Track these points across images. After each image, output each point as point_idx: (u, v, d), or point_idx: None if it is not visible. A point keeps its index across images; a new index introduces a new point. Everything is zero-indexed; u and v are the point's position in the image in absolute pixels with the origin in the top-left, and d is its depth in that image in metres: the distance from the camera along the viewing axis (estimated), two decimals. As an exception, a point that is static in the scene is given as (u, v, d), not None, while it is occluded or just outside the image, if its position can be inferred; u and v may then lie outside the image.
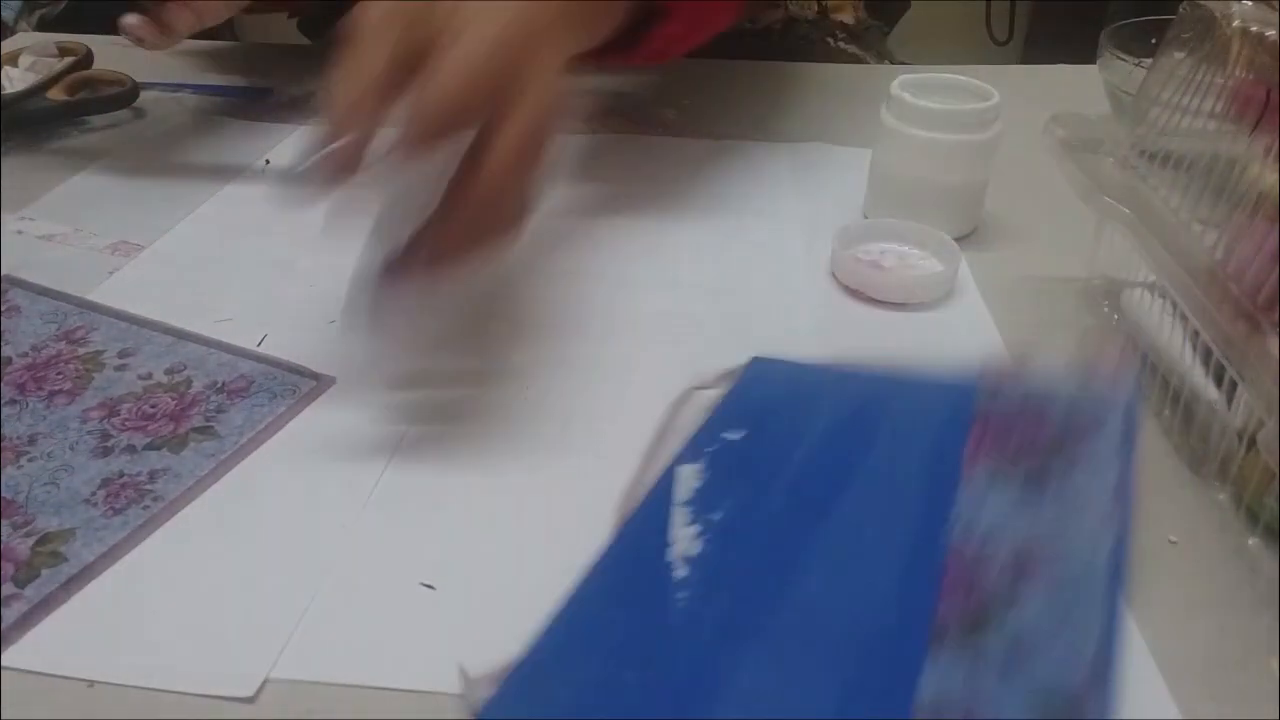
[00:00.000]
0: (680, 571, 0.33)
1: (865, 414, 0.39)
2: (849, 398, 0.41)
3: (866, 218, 0.56)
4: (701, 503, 0.36)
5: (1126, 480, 0.34)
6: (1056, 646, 0.28)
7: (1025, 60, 1.43)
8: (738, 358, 0.44)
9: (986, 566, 0.31)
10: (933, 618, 0.30)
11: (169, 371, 0.43)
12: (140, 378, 0.43)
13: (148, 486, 0.37)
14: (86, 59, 0.70)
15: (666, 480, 0.37)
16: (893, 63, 0.89)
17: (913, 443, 0.37)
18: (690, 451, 0.38)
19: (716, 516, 0.35)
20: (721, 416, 0.40)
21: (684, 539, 0.34)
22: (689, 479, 0.37)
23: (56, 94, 0.66)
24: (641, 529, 0.35)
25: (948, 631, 0.29)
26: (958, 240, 0.52)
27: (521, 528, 0.36)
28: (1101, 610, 0.30)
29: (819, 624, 0.30)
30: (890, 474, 0.36)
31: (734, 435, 0.39)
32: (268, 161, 0.63)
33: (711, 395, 0.42)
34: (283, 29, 0.99)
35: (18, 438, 0.39)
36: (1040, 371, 0.39)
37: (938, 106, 0.52)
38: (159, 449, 0.39)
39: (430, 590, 0.34)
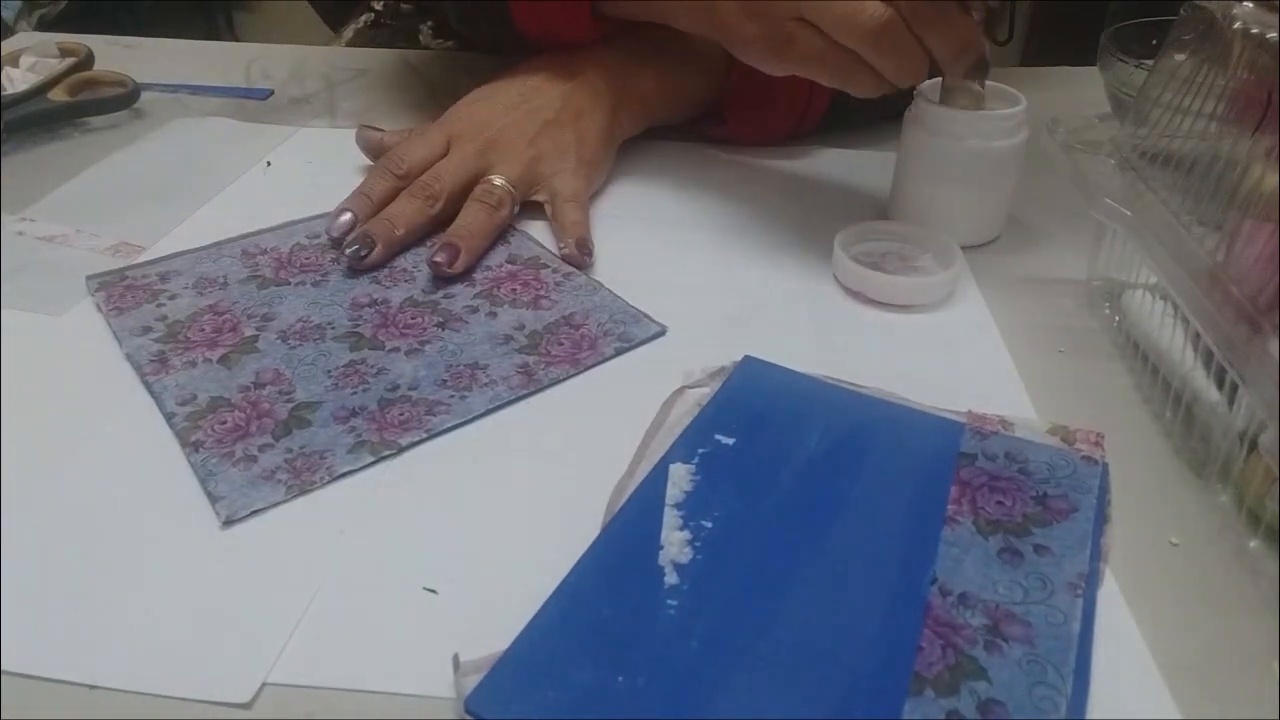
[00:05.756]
0: (671, 578, 0.33)
1: (854, 441, 0.40)
2: (839, 420, 0.41)
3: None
4: (693, 507, 0.36)
5: (1097, 555, 0.35)
6: (1026, 712, 0.29)
7: (1025, 60, 1.42)
8: (733, 358, 0.44)
9: (961, 630, 0.32)
10: (910, 669, 0.30)
11: None
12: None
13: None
14: (87, 60, 0.70)
15: (659, 477, 0.37)
16: None
17: (898, 480, 0.38)
18: (684, 450, 0.39)
19: (708, 524, 0.35)
20: (714, 417, 0.40)
21: (676, 543, 0.34)
22: (681, 479, 0.37)
23: (57, 95, 0.66)
24: (633, 526, 0.35)
25: (924, 689, 0.30)
26: (979, 246, 0.51)
27: (517, 526, 0.36)
28: (1073, 679, 0.30)
29: (802, 654, 0.31)
30: (875, 509, 0.36)
31: (727, 439, 0.39)
32: (269, 164, 0.62)
33: (703, 393, 0.42)
34: (283, 29, 0.99)
35: None
36: (1021, 433, 0.40)
37: (965, 112, 0.51)
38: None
39: (430, 594, 0.34)
